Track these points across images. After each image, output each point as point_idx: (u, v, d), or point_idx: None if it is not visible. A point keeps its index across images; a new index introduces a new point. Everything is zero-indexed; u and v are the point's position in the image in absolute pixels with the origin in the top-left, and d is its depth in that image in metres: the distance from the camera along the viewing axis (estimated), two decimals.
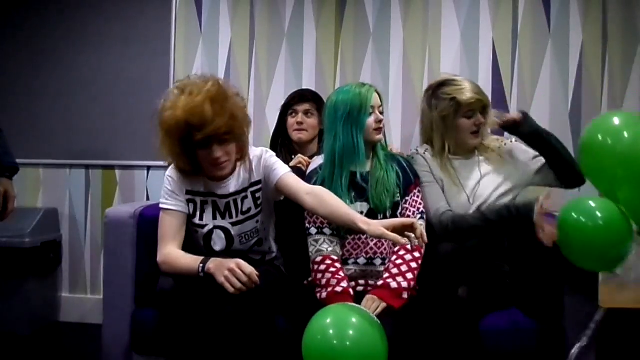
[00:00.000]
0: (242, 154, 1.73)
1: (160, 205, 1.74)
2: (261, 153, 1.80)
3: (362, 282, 1.77)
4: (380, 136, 1.84)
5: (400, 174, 1.83)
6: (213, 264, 1.55)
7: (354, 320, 1.35)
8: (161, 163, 2.85)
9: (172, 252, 1.68)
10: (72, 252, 3.02)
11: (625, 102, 2.60)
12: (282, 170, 1.74)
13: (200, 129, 1.55)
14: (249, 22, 2.87)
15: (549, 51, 2.64)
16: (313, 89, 2.64)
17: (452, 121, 1.89)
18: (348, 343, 1.30)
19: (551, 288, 1.69)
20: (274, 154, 1.82)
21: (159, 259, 1.68)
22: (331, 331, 1.32)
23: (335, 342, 1.30)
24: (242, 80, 2.86)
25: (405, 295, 1.63)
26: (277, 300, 1.68)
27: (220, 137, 1.60)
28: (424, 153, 1.95)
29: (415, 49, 2.74)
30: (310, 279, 1.81)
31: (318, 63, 2.81)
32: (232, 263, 1.51)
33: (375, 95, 1.81)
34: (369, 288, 1.72)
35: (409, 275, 1.66)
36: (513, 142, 2.00)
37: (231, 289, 1.49)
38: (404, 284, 1.64)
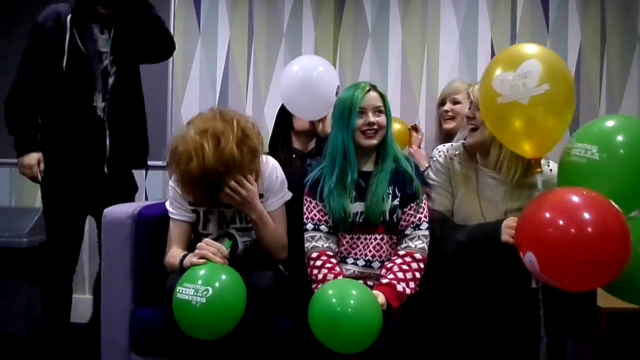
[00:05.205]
0: (256, 176, 1.71)
1: (169, 213, 1.79)
2: (271, 171, 1.79)
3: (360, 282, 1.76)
4: (371, 141, 1.72)
5: (401, 180, 1.76)
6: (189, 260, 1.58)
7: (354, 291, 1.49)
8: (159, 163, 2.86)
9: (170, 252, 1.73)
10: None
11: (623, 101, 2.61)
12: (275, 205, 1.80)
13: (228, 173, 1.59)
14: (248, 22, 2.87)
15: None
16: None
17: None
18: (349, 310, 1.44)
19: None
20: (284, 178, 1.82)
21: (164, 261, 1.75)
22: (334, 300, 1.45)
23: (338, 309, 1.43)
24: (240, 79, 2.86)
25: (403, 301, 1.64)
26: (276, 300, 1.68)
27: (245, 177, 1.64)
28: (455, 155, 1.79)
29: (414, 49, 2.74)
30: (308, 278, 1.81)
31: None
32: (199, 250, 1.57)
33: (369, 96, 1.73)
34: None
35: (412, 285, 1.65)
36: (553, 172, 1.62)
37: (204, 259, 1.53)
38: (407, 291, 1.64)
